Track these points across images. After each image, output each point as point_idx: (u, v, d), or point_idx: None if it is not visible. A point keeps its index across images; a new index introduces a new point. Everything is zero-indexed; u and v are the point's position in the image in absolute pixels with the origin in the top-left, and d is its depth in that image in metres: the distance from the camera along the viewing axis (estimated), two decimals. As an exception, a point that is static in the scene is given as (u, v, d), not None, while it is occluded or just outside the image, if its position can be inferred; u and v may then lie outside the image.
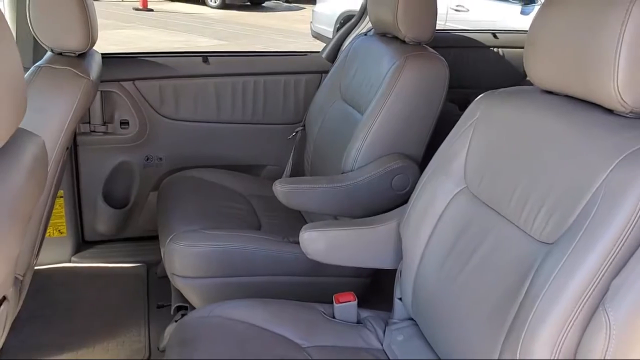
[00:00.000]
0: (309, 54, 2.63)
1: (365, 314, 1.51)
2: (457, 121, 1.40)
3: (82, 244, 2.42)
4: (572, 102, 1.15)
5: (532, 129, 1.18)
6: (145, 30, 10.03)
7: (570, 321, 0.95)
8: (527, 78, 1.28)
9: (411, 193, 1.47)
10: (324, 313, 1.47)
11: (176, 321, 1.88)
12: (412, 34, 1.86)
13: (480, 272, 1.19)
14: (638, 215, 0.92)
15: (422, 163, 1.69)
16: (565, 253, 0.98)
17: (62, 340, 1.91)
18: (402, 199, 1.72)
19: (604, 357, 0.90)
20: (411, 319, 1.45)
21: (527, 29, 1.26)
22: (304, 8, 14.00)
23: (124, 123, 2.31)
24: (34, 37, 1.64)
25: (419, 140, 1.86)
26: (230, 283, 1.76)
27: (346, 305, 1.47)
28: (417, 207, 1.41)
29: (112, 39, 8.14)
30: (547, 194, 1.08)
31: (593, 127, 1.06)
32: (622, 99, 1.01)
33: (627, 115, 1.05)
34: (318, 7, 8.51)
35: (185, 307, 1.89)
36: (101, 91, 2.22)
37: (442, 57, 1.85)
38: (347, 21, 2.63)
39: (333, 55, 2.47)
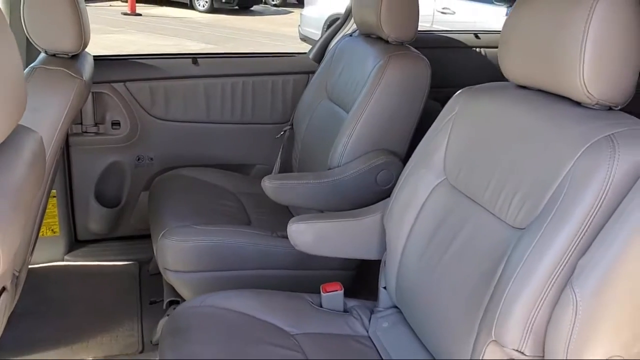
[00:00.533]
0: (296, 55, 2.69)
1: (351, 303, 1.56)
2: None
3: (75, 243, 2.46)
4: (543, 96, 1.22)
5: (507, 122, 1.24)
6: (133, 34, 10.04)
7: (541, 300, 1.02)
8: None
9: (395, 187, 1.53)
10: (312, 302, 1.53)
11: (168, 315, 1.93)
12: (394, 35, 1.92)
13: (459, 258, 1.25)
14: (602, 199, 0.99)
15: (406, 159, 1.74)
16: (536, 237, 1.04)
17: (57, 336, 1.95)
18: (387, 194, 1.76)
19: (571, 331, 0.96)
20: (395, 306, 1.51)
21: None
22: (292, 12, 14.06)
23: (115, 124, 2.35)
24: (27, 40, 1.69)
25: (403, 136, 1.92)
26: (221, 277, 1.81)
27: (333, 295, 1.53)
28: (399, 200, 1.47)
29: (101, 43, 8.14)
30: (520, 183, 1.15)
31: (562, 119, 1.13)
32: (588, 91, 1.08)
33: (594, 107, 1.11)
34: (306, 11, 8.58)
35: (177, 302, 1.93)
36: (93, 92, 2.26)
37: (424, 57, 1.92)
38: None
39: (320, 56, 2.53)
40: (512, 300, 1.04)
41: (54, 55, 1.68)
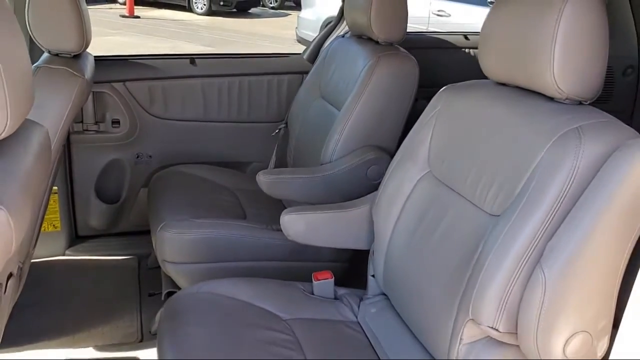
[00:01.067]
0: (291, 55, 2.76)
1: (341, 291, 1.64)
2: None
3: (76, 238, 2.53)
4: (520, 92, 1.30)
5: (485, 117, 1.32)
6: (132, 37, 10.12)
7: (513, 280, 1.09)
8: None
9: (385, 182, 1.60)
10: (304, 290, 1.60)
11: (167, 305, 2.00)
12: (384, 35, 2.00)
13: (441, 245, 1.33)
14: (568, 187, 1.06)
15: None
16: (509, 222, 1.12)
17: (59, 326, 2.03)
18: (377, 188, 1.84)
19: (540, 308, 1.04)
20: (383, 293, 1.59)
21: None
22: (290, 14, 14.14)
23: (115, 122, 2.43)
24: (30, 40, 1.76)
25: (392, 133, 2.00)
26: (218, 268, 1.88)
27: (324, 283, 1.60)
28: (386, 192, 1.55)
29: (99, 46, 8.22)
30: (497, 173, 1.23)
31: (535, 113, 1.21)
32: (558, 87, 1.15)
33: (564, 102, 1.19)
34: (303, 13, 8.66)
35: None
36: (93, 92, 2.34)
37: (412, 57, 2.00)
38: (331, 26, 2.77)
39: (313, 57, 2.61)
40: (487, 281, 1.12)
41: (56, 54, 1.76)
